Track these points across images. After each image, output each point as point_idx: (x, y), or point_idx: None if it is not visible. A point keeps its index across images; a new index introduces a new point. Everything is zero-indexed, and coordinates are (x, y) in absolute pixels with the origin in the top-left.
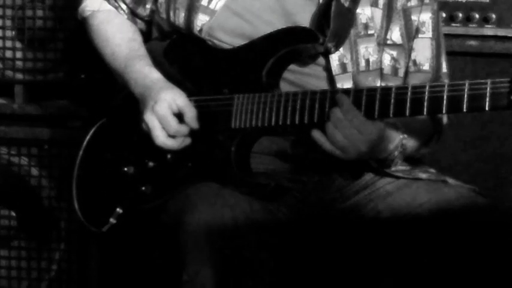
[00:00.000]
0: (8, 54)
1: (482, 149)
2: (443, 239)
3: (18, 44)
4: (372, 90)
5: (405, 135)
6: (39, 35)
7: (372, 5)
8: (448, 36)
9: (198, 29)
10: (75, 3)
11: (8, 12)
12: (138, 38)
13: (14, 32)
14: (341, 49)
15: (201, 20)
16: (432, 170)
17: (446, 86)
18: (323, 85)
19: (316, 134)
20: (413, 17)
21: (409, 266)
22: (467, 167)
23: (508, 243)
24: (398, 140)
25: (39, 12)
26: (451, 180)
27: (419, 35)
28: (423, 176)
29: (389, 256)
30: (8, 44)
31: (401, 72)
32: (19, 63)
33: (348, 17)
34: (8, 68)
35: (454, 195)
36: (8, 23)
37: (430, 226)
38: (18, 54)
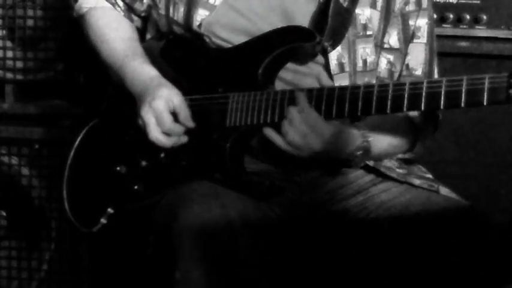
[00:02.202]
0: None
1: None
2: (433, 250)
3: (8, 43)
4: (370, 87)
5: (367, 138)
6: (29, 35)
7: (371, 7)
8: (438, 37)
9: (198, 23)
10: (66, 2)
11: None
12: (135, 36)
13: (4, 32)
14: (339, 49)
15: (200, 14)
16: (428, 175)
17: (444, 82)
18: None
19: (268, 131)
20: (411, 22)
21: (398, 271)
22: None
23: (494, 256)
24: (359, 142)
25: (30, 12)
26: (443, 190)
27: (414, 40)
28: (417, 182)
29: (378, 260)
30: None
31: (396, 76)
32: (9, 63)
33: (346, 17)
34: None
35: (446, 208)
36: None
37: (421, 237)
38: (9, 54)
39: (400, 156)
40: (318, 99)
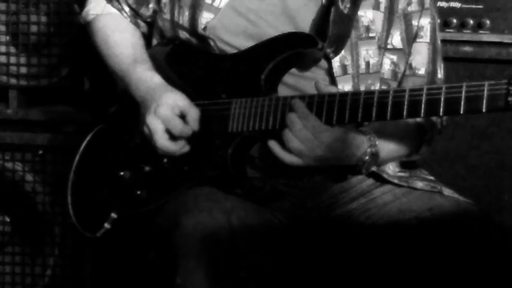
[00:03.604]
0: (2, 59)
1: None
2: (438, 251)
3: (12, 49)
4: (370, 93)
5: (375, 142)
6: (33, 40)
7: (373, 8)
8: (442, 42)
9: (203, 27)
10: (69, 8)
11: (2, 17)
12: (141, 42)
13: (8, 37)
14: (342, 51)
15: (205, 18)
16: (430, 177)
17: (443, 88)
18: None
19: (272, 144)
20: (414, 22)
21: (401, 275)
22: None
23: (500, 257)
24: (366, 147)
25: (34, 18)
26: (447, 191)
27: (417, 40)
28: (419, 184)
29: (382, 264)
30: (2, 49)
31: (400, 77)
32: (13, 69)
33: (348, 23)
34: (2, 73)
35: (450, 208)
36: (2, 28)
37: (425, 237)
38: (12, 60)
39: (404, 159)
40: (319, 106)
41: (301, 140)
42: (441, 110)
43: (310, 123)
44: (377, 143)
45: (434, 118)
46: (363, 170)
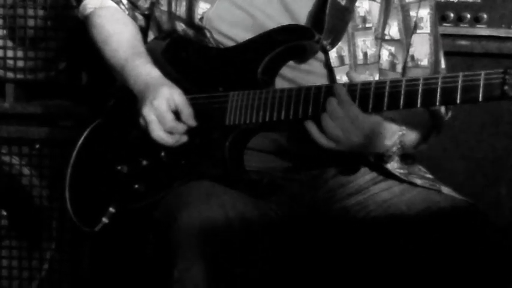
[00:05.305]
0: None
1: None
2: (435, 249)
3: (9, 43)
4: (367, 84)
5: (404, 131)
6: (30, 34)
7: None
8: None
9: (199, 17)
10: (67, 1)
11: None
12: (139, 36)
13: (5, 31)
14: (339, 42)
15: (201, 8)
16: (428, 175)
17: (440, 78)
18: (322, 81)
19: (310, 125)
20: (412, 13)
21: (398, 271)
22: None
23: (496, 256)
24: (397, 136)
25: (31, 11)
26: (445, 190)
27: (418, 31)
28: (418, 182)
29: (379, 260)
30: None
31: (399, 68)
32: (10, 62)
33: (345, 14)
34: None
35: (448, 206)
36: None
37: (423, 235)
38: (9, 53)
39: (413, 150)
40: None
41: (340, 127)
42: (438, 99)
43: (350, 110)
44: (405, 132)
45: (442, 109)
46: (388, 159)
